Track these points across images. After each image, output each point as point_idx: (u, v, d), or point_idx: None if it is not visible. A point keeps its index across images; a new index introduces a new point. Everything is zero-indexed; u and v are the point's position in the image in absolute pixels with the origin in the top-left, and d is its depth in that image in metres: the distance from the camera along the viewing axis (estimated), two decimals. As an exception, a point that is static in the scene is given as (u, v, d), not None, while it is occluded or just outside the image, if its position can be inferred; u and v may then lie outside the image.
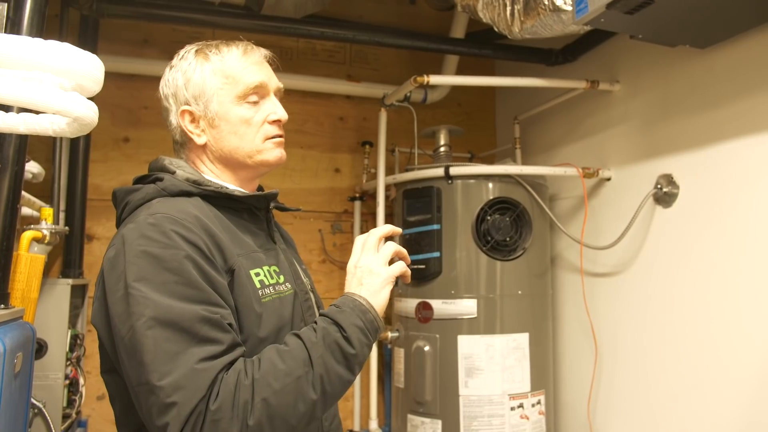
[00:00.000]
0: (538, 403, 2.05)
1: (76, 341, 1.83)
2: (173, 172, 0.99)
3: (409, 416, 2.08)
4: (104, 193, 2.27)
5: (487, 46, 2.35)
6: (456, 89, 2.70)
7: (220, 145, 1.01)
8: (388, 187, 2.29)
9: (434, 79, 2.02)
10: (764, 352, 1.50)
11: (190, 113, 1.01)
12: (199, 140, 1.01)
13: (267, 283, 0.96)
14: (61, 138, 1.84)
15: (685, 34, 1.62)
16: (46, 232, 1.46)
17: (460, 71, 2.60)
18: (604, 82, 2.09)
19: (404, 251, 1.01)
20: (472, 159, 2.71)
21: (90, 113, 0.92)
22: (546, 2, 1.67)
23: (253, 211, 1.05)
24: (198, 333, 0.79)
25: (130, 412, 0.86)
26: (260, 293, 0.93)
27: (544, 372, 2.10)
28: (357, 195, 2.61)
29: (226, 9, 2.06)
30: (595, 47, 2.17)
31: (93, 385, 2.17)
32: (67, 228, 1.69)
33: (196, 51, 1.02)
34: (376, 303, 0.94)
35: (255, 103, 1.02)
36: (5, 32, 1.10)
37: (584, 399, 2.12)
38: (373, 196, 2.55)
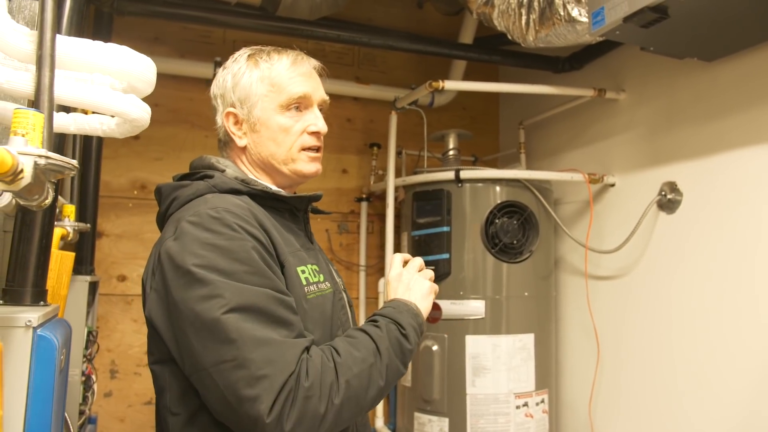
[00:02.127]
0: (542, 402, 2.10)
1: (89, 338, 1.83)
2: (222, 171, 1.02)
3: (416, 414, 2.12)
4: (113, 190, 2.27)
5: (496, 53, 2.39)
6: (461, 93, 2.74)
7: (259, 150, 1.04)
8: (396, 189, 2.33)
9: (448, 85, 2.06)
10: (763, 356, 1.57)
11: (235, 115, 1.04)
12: (240, 142, 1.05)
13: (311, 280, 0.99)
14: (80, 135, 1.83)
15: (693, 47, 1.69)
16: (70, 229, 1.46)
17: (466, 75, 2.64)
18: (610, 90, 2.15)
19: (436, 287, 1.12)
20: (476, 162, 2.76)
21: (145, 115, 0.94)
22: (561, 13, 1.72)
23: (294, 212, 1.09)
24: (275, 313, 0.84)
25: (184, 397, 0.88)
26: (306, 290, 0.97)
27: (548, 372, 2.16)
28: (364, 196, 2.64)
29: (241, 9, 2.07)
30: (602, 56, 2.23)
31: (100, 383, 2.16)
32: (88, 225, 1.68)
33: (248, 56, 1.06)
34: (423, 308, 1.04)
35: (297, 112, 1.05)
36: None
37: (585, 399, 2.18)
38: (379, 197, 2.58)
